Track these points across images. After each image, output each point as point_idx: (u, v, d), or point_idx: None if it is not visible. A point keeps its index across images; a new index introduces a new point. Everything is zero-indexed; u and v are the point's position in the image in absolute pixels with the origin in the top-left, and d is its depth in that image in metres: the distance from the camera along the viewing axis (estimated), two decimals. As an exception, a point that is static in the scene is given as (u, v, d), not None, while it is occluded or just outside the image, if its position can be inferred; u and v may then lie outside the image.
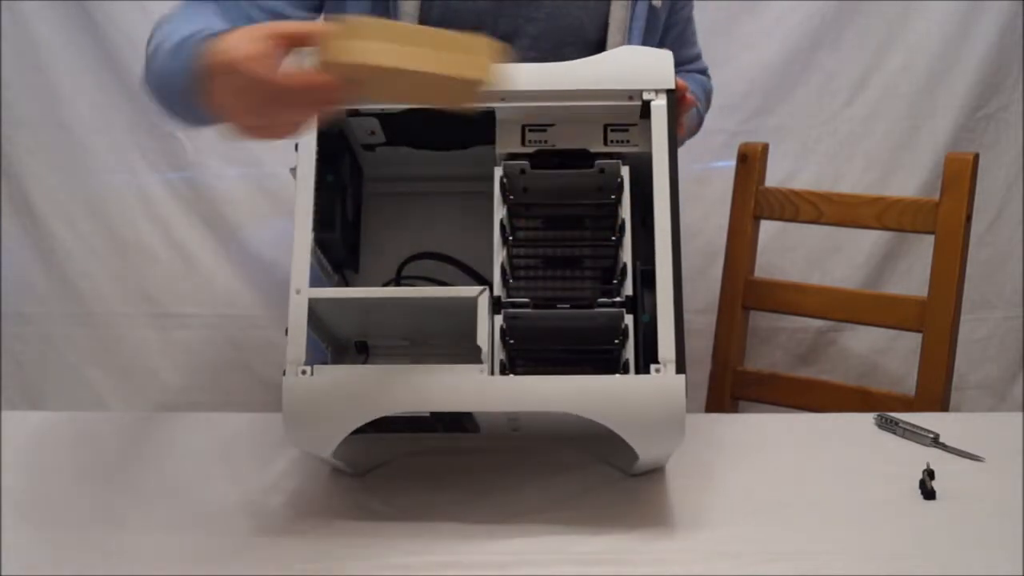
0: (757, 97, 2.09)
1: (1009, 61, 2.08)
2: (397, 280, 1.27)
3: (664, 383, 1.04)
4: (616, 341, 1.10)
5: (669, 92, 1.12)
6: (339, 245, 1.23)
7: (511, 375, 1.08)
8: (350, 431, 1.06)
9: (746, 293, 1.88)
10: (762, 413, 1.84)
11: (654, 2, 1.50)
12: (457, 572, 1.02)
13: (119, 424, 1.46)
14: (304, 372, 1.06)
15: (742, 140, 1.94)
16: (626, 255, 1.12)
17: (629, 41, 1.48)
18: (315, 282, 1.11)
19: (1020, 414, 1.40)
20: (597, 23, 1.48)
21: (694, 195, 2.07)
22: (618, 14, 1.47)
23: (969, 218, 1.70)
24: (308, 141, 1.12)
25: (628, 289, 1.10)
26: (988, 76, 2.08)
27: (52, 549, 1.08)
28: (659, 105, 1.12)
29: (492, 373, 1.07)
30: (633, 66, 1.14)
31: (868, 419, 1.40)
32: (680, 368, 1.04)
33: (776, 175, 1.99)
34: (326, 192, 1.17)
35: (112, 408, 2.15)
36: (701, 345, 1.91)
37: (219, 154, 2.13)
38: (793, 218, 1.87)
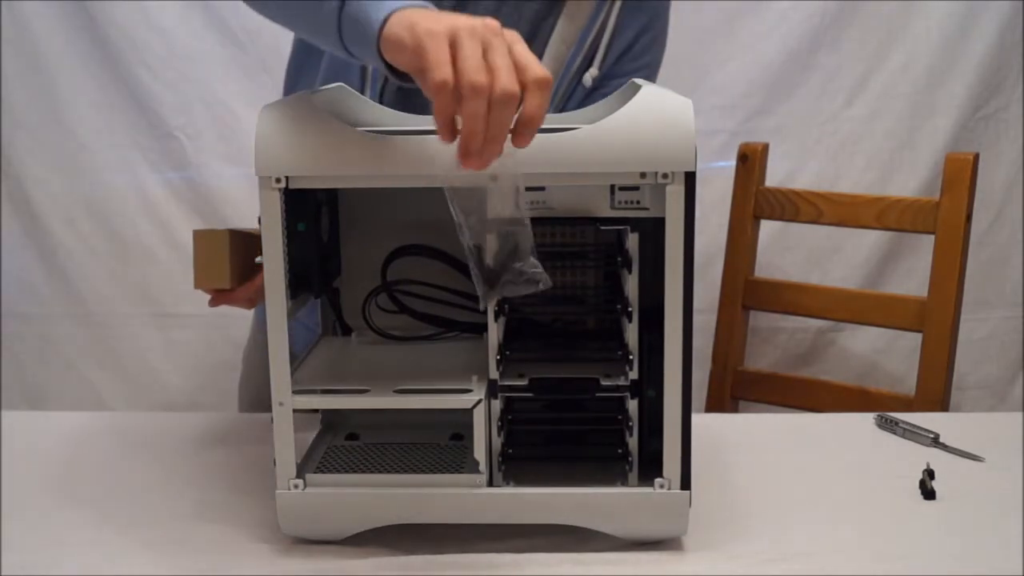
0: (757, 97, 2.09)
1: (1009, 61, 2.08)
2: (383, 283, 1.21)
3: (667, 500, 1.04)
4: (619, 417, 1.08)
5: (688, 175, 0.97)
6: (317, 274, 1.15)
7: (509, 485, 1.06)
8: (346, 536, 1.06)
9: (746, 293, 1.88)
10: (762, 413, 1.84)
11: None
12: (457, 572, 1.02)
13: (119, 424, 1.46)
14: (296, 486, 1.05)
15: (742, 140, 1.94)
16: (632, 335, 1.05)
17: None
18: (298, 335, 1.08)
19: (1020, 414, 1.40)
20: None
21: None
22: None
23: (969, 218, 1.70)
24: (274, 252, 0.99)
25: (634, 370, 1.05)
26: (988, 76, 2.08)
27: (52, 549, 1.08)
28: (675, 191, 0.97)
29: (490, 484, 1.06)
30: (646, 138, 0.96)
31: (868, 419, 1.40)
32: (685, 484, 1.03)
33: (776, 175, 1.99)
34: (299, 242, 1.07)
35: (112, 408, 2.15)
36: (701, 345, 1.91)
37: (219, 154, 2.13)
38: (793, 218, 1.87)
